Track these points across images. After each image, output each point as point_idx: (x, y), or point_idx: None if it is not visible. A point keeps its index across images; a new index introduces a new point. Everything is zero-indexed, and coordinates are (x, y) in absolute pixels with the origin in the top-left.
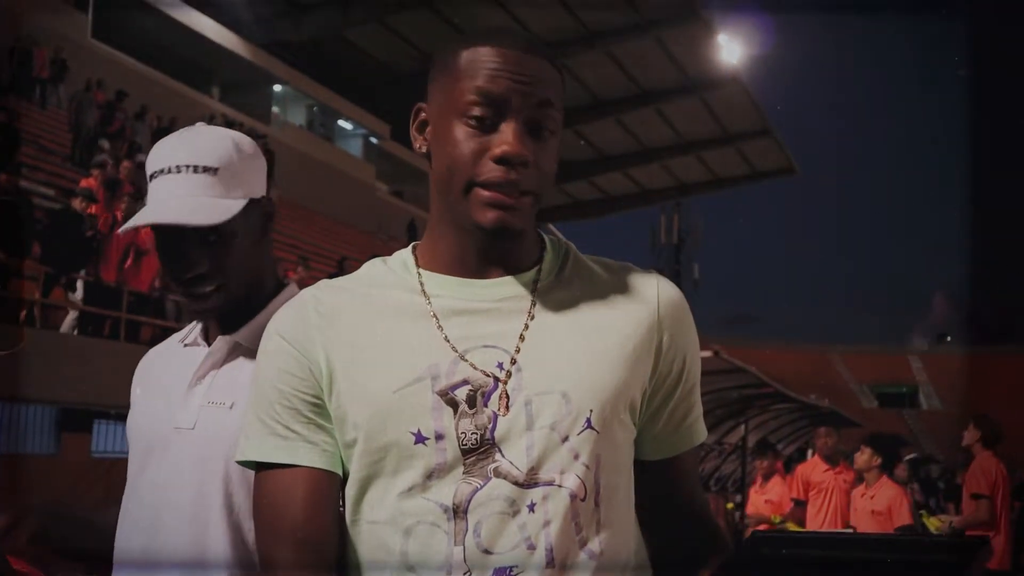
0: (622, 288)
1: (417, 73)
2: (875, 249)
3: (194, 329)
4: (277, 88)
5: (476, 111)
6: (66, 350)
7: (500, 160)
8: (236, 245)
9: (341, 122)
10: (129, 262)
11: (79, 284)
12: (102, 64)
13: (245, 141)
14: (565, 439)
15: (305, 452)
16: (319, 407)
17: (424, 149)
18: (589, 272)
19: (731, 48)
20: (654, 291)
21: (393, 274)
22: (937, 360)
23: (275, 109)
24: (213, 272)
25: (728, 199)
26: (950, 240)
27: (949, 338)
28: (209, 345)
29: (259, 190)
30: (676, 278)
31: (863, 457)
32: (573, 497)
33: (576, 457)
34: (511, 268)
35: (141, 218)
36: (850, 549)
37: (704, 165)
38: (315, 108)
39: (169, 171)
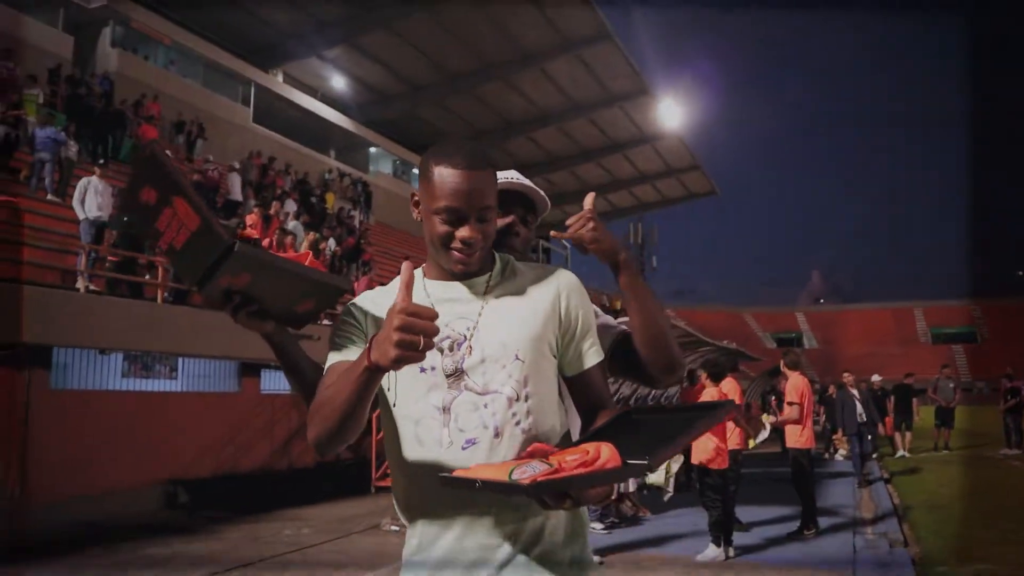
0: (539, 279)
1: (465, 137)
2: (791, 232)
3: None
4: (372, 149)
5: (445, 216)
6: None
7: (463, 243)
8: None
9: (415, 170)
10: None
11: None
12: (259, 139)
13: None
14: (503, 367)
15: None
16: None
17: (419, 218)
18: (521, 273)
19: (671, 110)
20: (556, 278)
21: (415, 279)
22: (816, 314)
23: (371, 164)
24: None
25: (674, 212)
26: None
27: (822, 300)
28: None
29: None
30: (640, 266)
31: (702, 376)
32: (509, 399)
33: (510, 376)
34: (475, 275)
35: None
36: (653, 413)
37: (656, 191)
38: (397, 161)
39: None
